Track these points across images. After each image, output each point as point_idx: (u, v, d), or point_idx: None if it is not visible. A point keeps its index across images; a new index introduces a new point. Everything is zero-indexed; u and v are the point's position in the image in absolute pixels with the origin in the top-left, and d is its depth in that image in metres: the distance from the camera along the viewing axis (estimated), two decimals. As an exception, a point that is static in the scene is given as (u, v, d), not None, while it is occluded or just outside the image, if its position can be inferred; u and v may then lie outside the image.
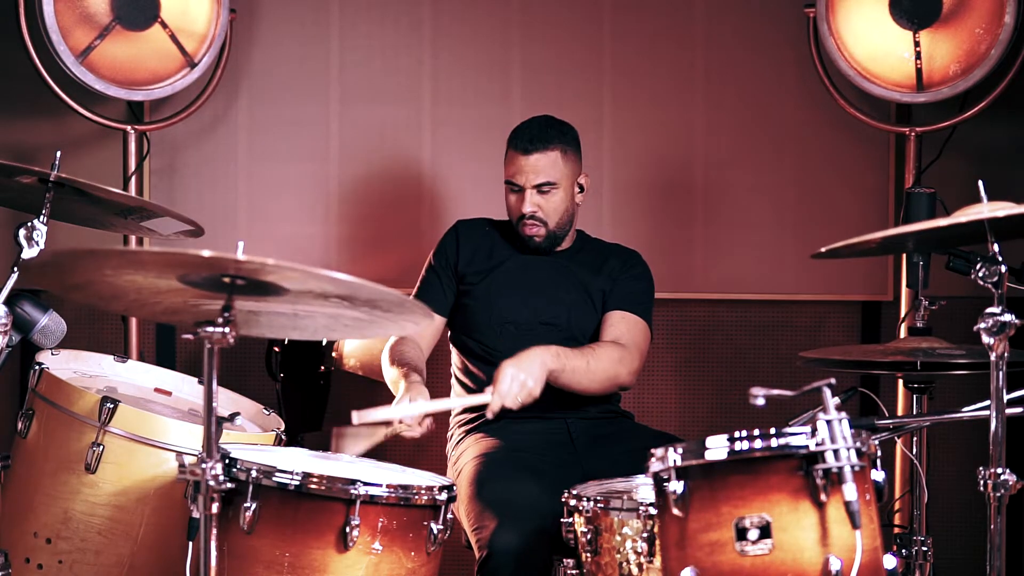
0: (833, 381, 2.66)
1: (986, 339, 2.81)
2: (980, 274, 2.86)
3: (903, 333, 4.40)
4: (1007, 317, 2.81)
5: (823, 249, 3.09)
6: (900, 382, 4.21)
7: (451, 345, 3.93)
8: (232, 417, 3.44)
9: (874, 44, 4.35)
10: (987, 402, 2.86)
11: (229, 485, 2.84)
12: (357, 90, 4.72)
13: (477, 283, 3.86)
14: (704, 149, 4.73)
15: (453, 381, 3.92)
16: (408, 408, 3.50)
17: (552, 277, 3.86)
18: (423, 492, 3.03)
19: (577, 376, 3.60)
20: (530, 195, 3.79)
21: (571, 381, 3.60)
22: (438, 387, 3.82)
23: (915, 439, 3.86)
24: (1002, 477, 2.82)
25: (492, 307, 3.82)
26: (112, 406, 3.16)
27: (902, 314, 4.44)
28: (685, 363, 4.67)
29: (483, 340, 3.81)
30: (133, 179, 4.51)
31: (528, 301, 3.82)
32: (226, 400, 3.50)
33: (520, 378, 3.48)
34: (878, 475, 2.74)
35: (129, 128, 4.51)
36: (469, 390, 3.80)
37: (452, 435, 3.82)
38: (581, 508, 3.10)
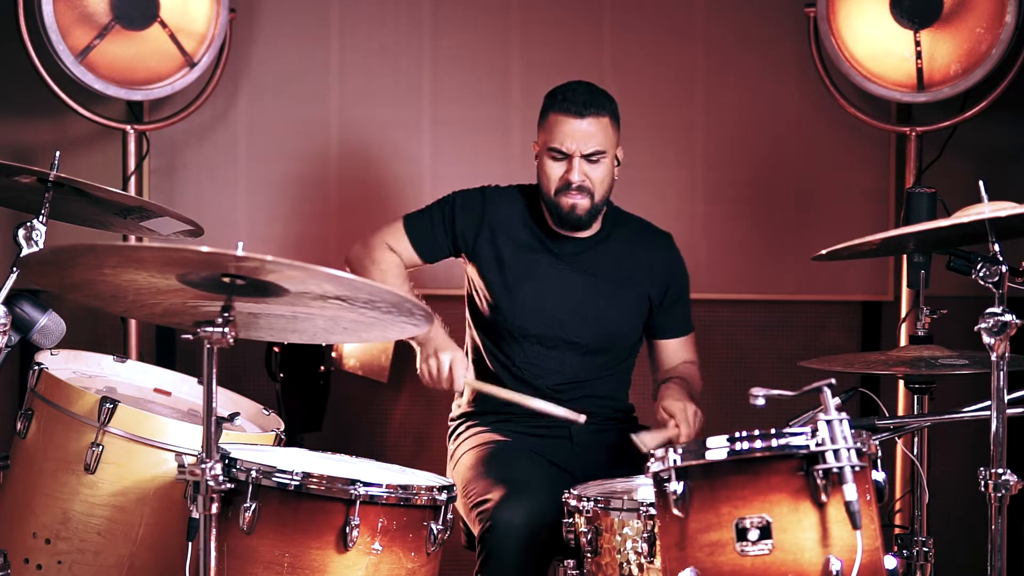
0: (833, 381, 2.66)
1: (987, 339, 2.81)
2: (981, 274, 2.86)
3: (904, 335, 4.40)
4: (1008, 317, 2.81)
5: (824, 251, 3.09)
6: (901, 382, 4.21)
7: (468, 325, 3.82)
8: (232, 417, 3.44)
9: (875, 43, 4.35)
10: (988, 402, 2.86)
11: (229, 485, 2.84)
12: (357, 90, 4.72)
13: (503, 283, 3.68)
14: (704, 149, 4.72)
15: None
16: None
17: (586, 290, 3.68)
18: (423, 492, 3.03)
19: None
20: (579, 163, 3.58)
21: None
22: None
23: (916, 439, 3.85)
24: (1003, 477, 2.83)
25: (516, 319, 3.66)
26: (111, 406, 3.16)
27: (903, 314, 4.44)
28: (685, 363, 4.67)
29: (500, 349, 3.70)
30: (132, 179, 4.51)
31: (557, 318, 3.65)
32: (226, 400, 3.50)
33: (695, 413, 3.50)
34: (878, 475, 2.74)
35: (128, 128, 4.51)
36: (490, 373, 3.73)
37: (452, 428, 3.79)
38: (581, 508, 3.09)
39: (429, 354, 3.54)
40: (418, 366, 3.57)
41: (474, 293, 3.76)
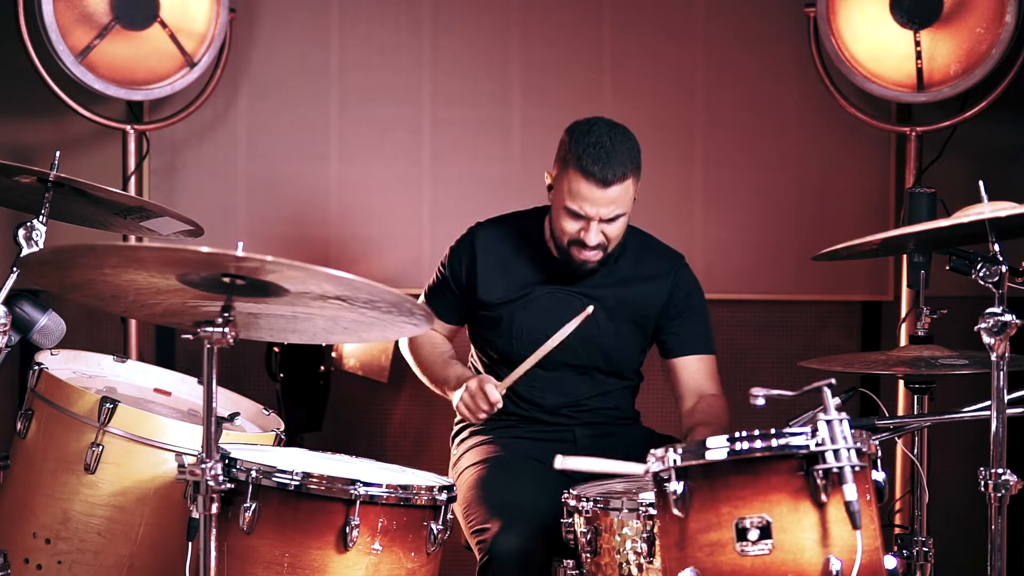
0: (833, 381, 2.66)
1: (987, 339, 2.81)
2: (981, 274, 2.87)
3: (904, 335, 4.40)
4: (1008, 317, 2.81)
5: (824, 251, 3.09)
6: (901, 382, 4.21)
7: (472, 348, 3.81)
8: (232, 417, 3.44)
9: (875, 44, 4.35)
10: (988, 402, 2.86)
11: (229, 485, 2.84)
12: (357, 90, 4.72)
13: (501, 313, 3.64)
14: (704, 149, 4.72)
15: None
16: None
17: (580, 310, 3.54)
18: (423, 492, 3.03)
19: None
20: (597, 226, 3.48)
21: None
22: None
23: (916, 439, 3.85)
24: (1003, 477, 2.83)
25: (515, 346, 3.62)
26: (111, 406, 3.16)
27: (903, 314, 4.44)
28: (685, 363, 4.66)
29: (505, 371, 3.61)
30: (132, 179, 4.51)
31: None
32: (226, 400, 3.50)
33: None
34: (878, 475, 2.74)
35: (128, 128, 4.51)
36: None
37: (456, 430, 3.79)
38: (581, 508, 3.09)
39: (461, 391, 3.51)
40: (455, 406, 3.54)
41: (473, 321, 3.74)
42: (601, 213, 3.48)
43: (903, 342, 4.36)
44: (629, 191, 3.51)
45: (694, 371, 3.69)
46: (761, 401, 2.72)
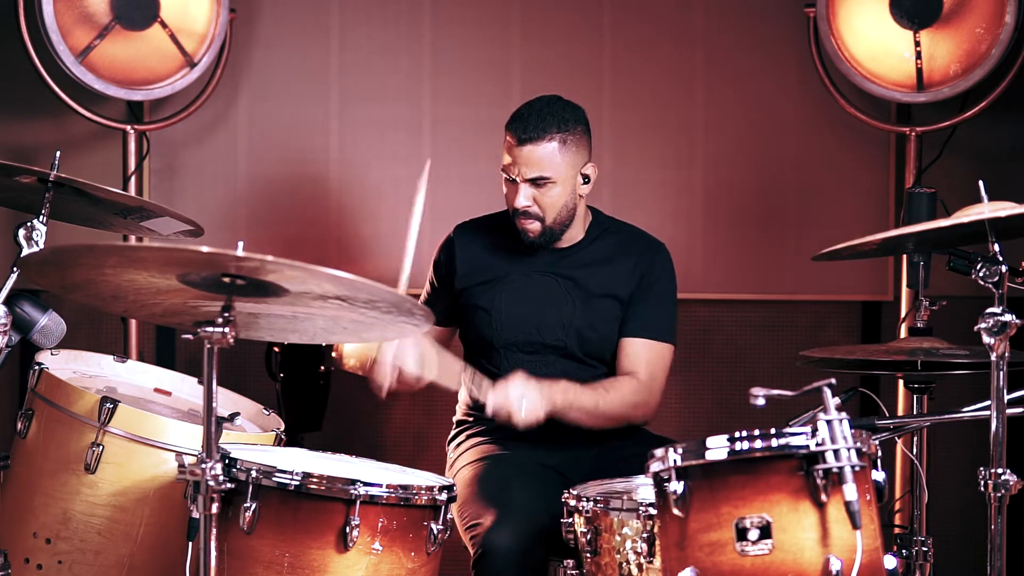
0: (833, 381, 2.66)
1: (987, 339, 2.82)
2: (981, 274, 2.87)
3: (903, 334, 4.40)
4: (1008, 317, 2.81)
5: (824, 251, 3.09)
6: (900, 382, 4.21)
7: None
8: (232, 417, 3.44)
9: (874, 44, 4.36)
10: (987, 402, 2.87)
11: (229, 485, 2.84)
12: (357, 90, 4.72)
13: (479, 299, 3.67)
14: (704, 149, 4.72)
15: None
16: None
17: (560, 293, 3.63)
18: (423, 492, 3.03)
19: (583, 416, 3.51)
20: (523, 188, 3.53)
21: (577, 419, 3.51)
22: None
23: (915, 439, 3.86)
24: (1003, 477, 2.83)
25: (495, 330, 3.64)
26: (112, 406, 3.16)
27: (902, 314, 4.44)
28: (685, 363, 4.65)
29: (489, 362, 3.66)
30: (133, 179, 4.52)
31: (533, 323, 3.62)
32: (226, 400, 3.50)
33: (519, 401, 3.40)
34: (878, 475, 2.74)
35: (129, 128, 4.51)
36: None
37: (452, 434, 3.79)
38: (581, 508, 3.09)
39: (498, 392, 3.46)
40: (493, 408, 3.48)
41: (459, 314, 3.75)
42: (522, 172, 3.54)
43: (903, 342, 4.36)
44: (553, 157, 3.53)
45: (631, 353, 3.63)
46: (761, 401, 2.72)
